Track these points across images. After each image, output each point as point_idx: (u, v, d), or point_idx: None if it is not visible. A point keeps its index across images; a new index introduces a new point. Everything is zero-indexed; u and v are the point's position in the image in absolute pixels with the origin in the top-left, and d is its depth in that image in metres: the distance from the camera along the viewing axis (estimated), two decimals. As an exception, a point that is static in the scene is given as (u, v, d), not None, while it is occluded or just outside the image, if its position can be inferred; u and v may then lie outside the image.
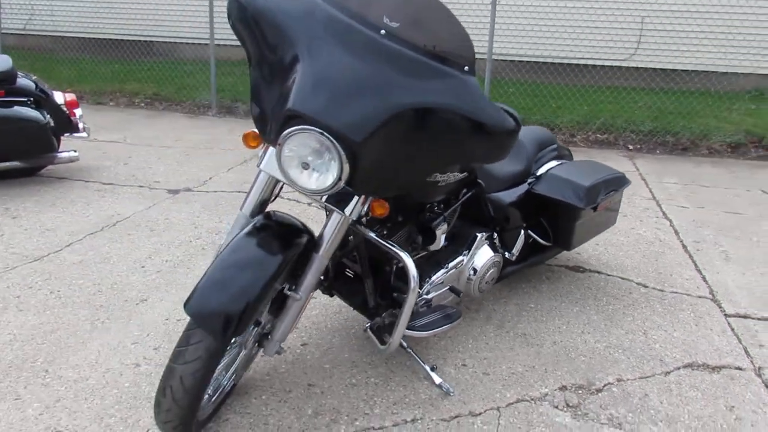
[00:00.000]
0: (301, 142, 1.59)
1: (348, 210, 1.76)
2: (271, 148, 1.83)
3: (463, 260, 2.30)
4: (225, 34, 7.97)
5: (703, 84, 6.61)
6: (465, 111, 1.65)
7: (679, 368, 2.31)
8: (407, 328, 2.08)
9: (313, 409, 2.01)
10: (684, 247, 3.47)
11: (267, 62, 1.77)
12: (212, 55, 6.78)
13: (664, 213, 4.02)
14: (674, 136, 5.72)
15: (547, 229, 2.69)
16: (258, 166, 1.87)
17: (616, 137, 5.83)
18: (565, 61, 7.50)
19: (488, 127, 1.68)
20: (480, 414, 2.02)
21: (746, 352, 2.43)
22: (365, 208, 1.81)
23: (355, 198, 1.75)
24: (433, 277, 2.21)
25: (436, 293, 2.22)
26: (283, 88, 1.67)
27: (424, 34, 1.70)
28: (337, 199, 1.75)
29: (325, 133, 1.55)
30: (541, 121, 6.07)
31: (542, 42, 7.59)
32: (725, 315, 2.71)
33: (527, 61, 7.58)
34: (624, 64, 7.50)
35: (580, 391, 2.16)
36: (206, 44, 7.32)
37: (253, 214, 1.86)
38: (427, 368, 2.18)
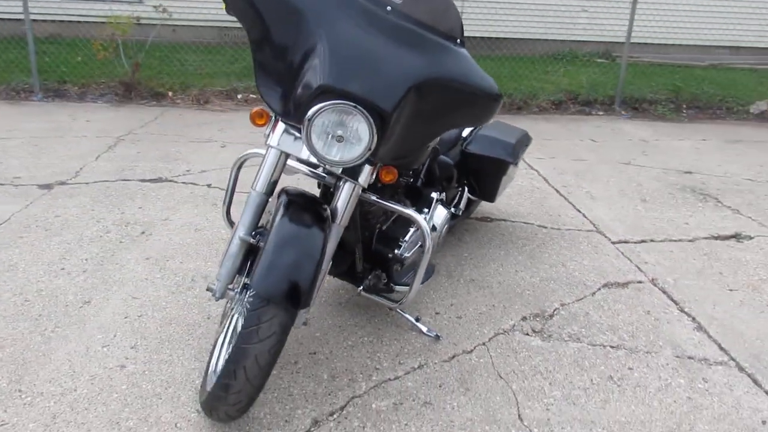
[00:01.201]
0: (333, 116, 1.66)
1: (362, 179, 1.85)
2: (280, 125, 1.84)
3: (425, 219, 2.50)
4: (39, 7, 7.04)
5: (530, 49, 7.49)
6: (466, 80, 1.83)
7: (599, 288, 2.79)
8: (398, 285, 2.25)
9: (328, 374, 2.10)
10: (557, 191, 4.05)
11: (274, 40, 1.78)
12: (29, 31, 5.98)
13: (529, 165, 4.59)
14: (509, 97, 6.42)
15: (473, 185, 3.00)
16: (266, 143, 1.87)
17: (462, 101, 6.39)
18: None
19: (484, 94, 1.88)
20: (472, 351, 2.28)
21: (638, 268, 3.00)
22: (374, 177, 1.92)
23: (368, 167, 1.84)
24: (406, 237, 2.39)
25: (410, 252, 2.40)
26: (304, 66, 1.71)
27: (423, 10, 1.84)
28: (350, 169, 1.84)
29: (359, 106, 1.64)
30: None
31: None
32: (612, 242, 3.29)
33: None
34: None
35: (537, 319, 2.52)
36: (13, 19, 6.43)
37: (267, 192, 1.85)
38: (413, 320, 2.37)
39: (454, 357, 2.24)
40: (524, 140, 3.06)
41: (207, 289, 1.88)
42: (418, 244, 2.46)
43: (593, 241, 3.28)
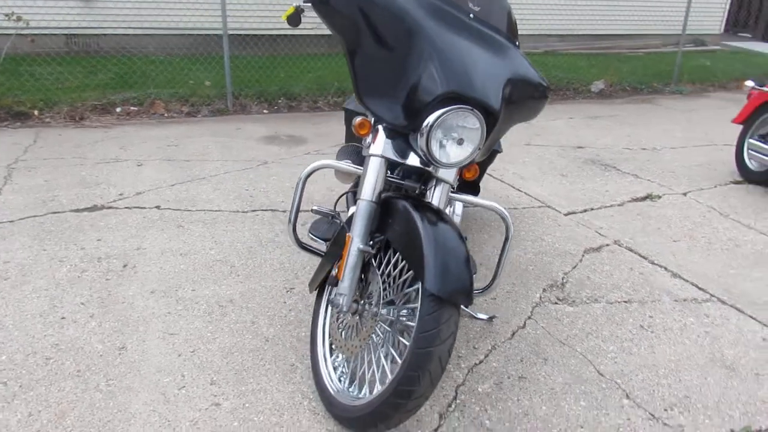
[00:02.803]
0: (454, 119, 1.75)
1: (452, 179, 1.96)
2: (381, 134, 1.87)
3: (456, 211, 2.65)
4: None
5: None
6: (532, 78, 2.02)
7: (583, 254, 3.16)
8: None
9: (422, 370, 2.16)
10: (490, 175, 4.39)
11: (379, 51, 1.82)
12: None
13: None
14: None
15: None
16: (368, 154, 1.88)
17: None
18: (258, 32, 7.72)
19: (541, 91, 2.08)
20: (525, 326, 2.49)
21: (599, 233, 3.44)
22: (458, 175, 2.03)
23: (455, 167, 1.95)
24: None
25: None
26: (416, 73, 1.78)
27: (494, 16, 1.99)
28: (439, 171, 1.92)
29: (474, 108, 1.76)
30: (282, 92, 6.34)
31: (242, 14, 7.67)
32: (564, 214, 3.70)
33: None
34: (312, 32, 8.20)
35: (554, 289, 2.80)
36: None
37: (376, 201, 1.87)
38: (463, 306, 2.51)
39: (514, 334, 2.42)
40: (497, 131, 3.32)
41: (332, 304, 1.85)
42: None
43: (550, 216, 3.66)
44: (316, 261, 2.92)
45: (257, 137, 5.17)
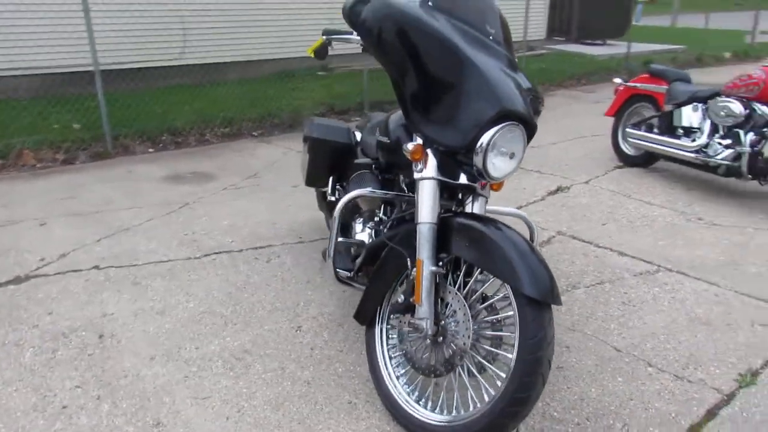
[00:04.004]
0: (507, 135, 1.86)
1: (487, 192, 2.07)
2: (432, 157, 1.93)
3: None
4: None
5: (244, 72, 7.81)
6: (536, 92, 2.20)
7: (541, 247, 3.42)
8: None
9: (473, 380, 2.23)
10: (415, 187, 4.56)
11: (427, 78, 1.87)
12: None
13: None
14: (278, 117, 6.64)
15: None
16: (420, 178, 1.92)
17: (238, 128, 6.33)
18: (124, 66, 7.21)
19: (540, 103, 2.26)
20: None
21: (540, 227, 3.74)
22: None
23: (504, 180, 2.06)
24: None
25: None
26: (466, 95, 1.85)
27: (503, 36, 2.13)
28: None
29: (520, 124, 1.89)
30: (164, 127, 5.97)
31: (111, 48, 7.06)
32: (501, 214, 3.96)
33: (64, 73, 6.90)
34: (174, 63, 7.83)
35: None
36: None
37: (436, 222, 1.90)
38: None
39: (528, 330, 2.58)
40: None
41: (415, 330, 1.85)
42: None
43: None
44: (306, 295, 2.86)
45: (158, 178, 4.84)
